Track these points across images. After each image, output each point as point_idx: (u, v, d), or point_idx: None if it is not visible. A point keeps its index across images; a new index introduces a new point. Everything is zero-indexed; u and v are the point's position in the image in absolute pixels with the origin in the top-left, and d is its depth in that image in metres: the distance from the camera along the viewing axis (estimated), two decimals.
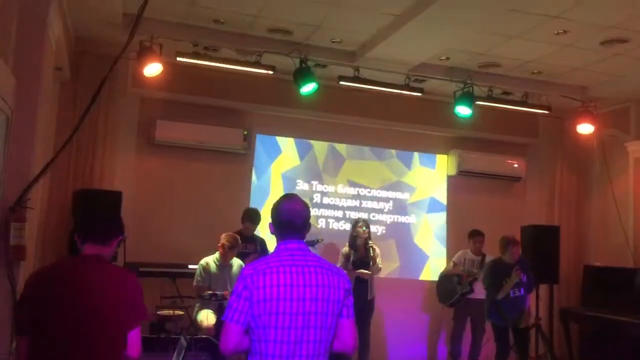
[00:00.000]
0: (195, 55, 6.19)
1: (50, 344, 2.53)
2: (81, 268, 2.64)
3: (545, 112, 7.53)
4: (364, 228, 6.62)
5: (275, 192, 7.54)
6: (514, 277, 6.02)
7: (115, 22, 5.61)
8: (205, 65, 6.33)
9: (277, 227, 2.59)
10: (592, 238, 8.16)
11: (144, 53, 5.85)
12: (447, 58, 6.61)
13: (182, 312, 5.95)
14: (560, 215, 8.19)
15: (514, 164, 8.22)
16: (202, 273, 5.84)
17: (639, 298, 6.19)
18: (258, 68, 6.35)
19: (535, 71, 6.88)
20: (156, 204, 7.02)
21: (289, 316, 2.38)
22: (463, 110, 7.03)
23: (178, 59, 6.17)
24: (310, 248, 2.66)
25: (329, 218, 7.72)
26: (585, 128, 7.29)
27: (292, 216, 2.55)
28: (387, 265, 7.33)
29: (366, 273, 6.50)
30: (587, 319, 7.35)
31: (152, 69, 5.94)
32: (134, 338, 2.63)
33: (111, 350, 2.58)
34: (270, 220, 2.62)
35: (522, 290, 6.13)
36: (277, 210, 2.59)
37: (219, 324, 5.14)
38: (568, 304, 7.75)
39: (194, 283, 5.86)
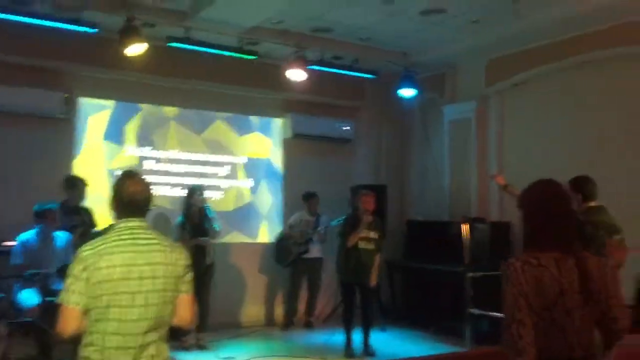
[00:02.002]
0: (5, 10, 5.50)
1: None
2: None
3: (372, 76, 7.92)
4: (201, 196, 6.51)
5: (102, 159, 7.10)
6: (364, 221, 6.11)
7: None
8: (18, 21, 5.66)
9: (118, 207, 2.53)
10: (415, 195, 8.84)
11: None
12: (280, 22, 6.62)
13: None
14: (386, 174, 8.75)
15: (344, 126, 8.56)
16: (23, 250, 5.33)
17: (452, 248, 6.82)
18: (79, 25, 5.83)
19: (364, 37, 7.16)
20: None
21: (129, 295, 2.37)
22: (407, 92, 7.51)
23: None
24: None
25: (162, 185, 7.46)
26: (407, 92, 7.78)
27: (134, 196, 2.51)
28: (224, 229, 7.29)
29: (204, 240, 6.42)
30: (409, 269, 8.02)
31: None
32: None
33: None
34: (110, 198, 2.55)
35: (372, 244, 6.17)
36: (118, 189, 2.53)
37: (45, 304, 4.77)
38: (393, 256, 8.36)
39: (15, 261, 5.34)
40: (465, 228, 6.35)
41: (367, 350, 6.23)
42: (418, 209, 8.70)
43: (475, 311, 6.04)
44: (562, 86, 6.94)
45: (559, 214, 2.33)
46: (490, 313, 6.04)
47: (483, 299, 6.15)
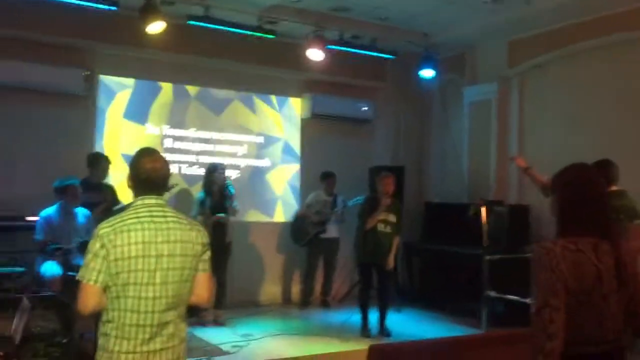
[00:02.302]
0: None
1: None
2: None
3: (392, 57, 7.85)
4: (222, 174, 6.54)
5: (122, 137, 7.15)
6: (382, 204, 6.12)
7: None
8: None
9: (136, 184, 2.53)
10: (433, 177, 8.80)
11: None
12: (299, 0, 6.57)
13: (22, 269, 5.55)
14: (405, 155, 8.71)
15: (364, 106, 8.51)
16: (45, 226, 5.42)
17: (471, 231, 6.78)
18: (100, 3, 5.84)
19: (383, 17, 7.09)
20: None
21: (147, 272, 2.38)
22: (427, 73, 7.49)
23: None
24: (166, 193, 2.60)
25: (182, 163, 7.51)
26: (427, 73, 7.72)
27: (152, 174, 2.49)
28: (242, 208, 7.33)
29: (224, 218, 6.47)
30: (426, 251, 8.01)
31: None
32: None
33: None
34: (128, 175, 2.55)
35: (389, 227, 6.16)
36: (136, 166, 2.52)
37: (65, 278, 4.86)
38: (411, 238, 8.36)
39: (38, 236, 5.43)
40: (483, 210, 6.31)
41: (383, 330, 6.26)
42: (436, 190, 8.66)
43: (492, 294, 6.03)
44: (585, 68, 6.82)
45: (595, 198, 2.32)
46: (507, 296, 6.04)
47: (500, 282, 6.15)
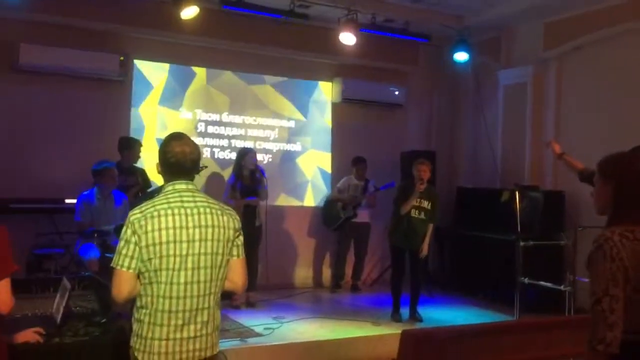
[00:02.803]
0: None
1: None
2: None
3: (424, 40, 7.76)
4: (252, 158, 6.59)
5: (156, 121, 7.25)
6: (416, 190, 6.08)
7: None
8: None
9: (165, 169, 2.51)
10: (465, 161, 8.71)
11: None
12: None
13: (62, 250, 5.70)
14: (436, 140, 8.63)
15: (395, 91, 8.45)
16: (84, 208, 5.56)
17: (504, 216, 6.71)
18: None
19: None
20: (26, 135, 6.51)
21: (179, 258, 2.37)
22: (460, 57, 7.45)
23: None
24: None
25: (214, 147, 7.59)
26: (460, 56, 7.62)
27: (181, 158, 2.47)
28: (273, 192, 7.40)
29: (254, 201, 6.54)
30: (458, 236, 7.96)
31: None
32: (2, 292, 2.39)
33: None
34: (158, 160, 2.54)
35: (422, 214, 6.12)
36: (165, 151, 2.50)
37: (103, 260, 4.98)
38: (442, 224, 8.30)
39: (79, 219, 5.57)
40: (517, 196, 6.23)
41: (415, 315, 6.26)
42: (468, 175, 8.57)
43: (525, 280, 5.98)
44: (625, 50, 6.63)
45: None
46: (541, 282, 5.97)
47: (533, 268, 6.08)
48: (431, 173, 6.25)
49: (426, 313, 6.36)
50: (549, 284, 5.90)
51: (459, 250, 8.09)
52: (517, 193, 6.25)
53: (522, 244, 6.03)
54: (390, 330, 5.66)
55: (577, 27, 6.97)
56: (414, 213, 6.14)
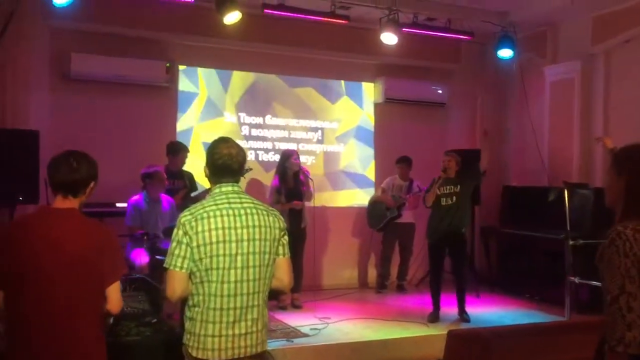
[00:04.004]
0: None
1: (26, 301, 2.40)
2: (55, 222, 2.47)
3: (468, 38, 7.67)
4: (296, 160, 6.64)
5: (201, 126, 7.39)
6: (437, 181, 6.10)
7: None
8: None
9: (213, 171, 2.61)
10: (511, 159, 8.56)
11: None
12: None
13: None
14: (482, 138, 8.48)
15: (438, 90, 8.37)
16: (134, 212, 5.72)
17: (552, 214, 6.57)
18: None
19: None
20: (77, 141, 6.60)
21: (228, 257, 2.46)
22: (505, 53, 7.40)
23: None
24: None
25: (258, 150, 7.68)
26: (505, 53, 7.50)
27: (227, 160, 2.56)
28: (317, 193, 7.43)
29: (299, 203, 6.58)
30: (505, 235, 7.83)
31: None
32: (114, 293, 2.51)
33: (89, 306, 2.46)
34: (205, 163, 2.64)
35: (453, 198, 6.08)
36: (212, 154, 2.59)
37: (153, 262, 5.11)
38: (488, 222, 8.19)
39: (130, 223, 5.73)
40: (566, 194, 6.08)
41: (463, 316, 6.19)
42: (515, 174, 8.42)
43: (576, 279, 5.83)
44: None
45: None
46: (592, 282, 5.82)
47: (583, 267, 5.93)
48: (473, 169, 6.23)
49: (473, 314, 6.29)
50: (600, 284, 5.73)
51: (506, 249, 7.95)
52: (565, 191, 6.11)
53: (571, 242, 5.88)
54: (436, 331, 5.61)
55: (626, 20, 6.76)
56: (444, 201, 6.12)
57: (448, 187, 6.15)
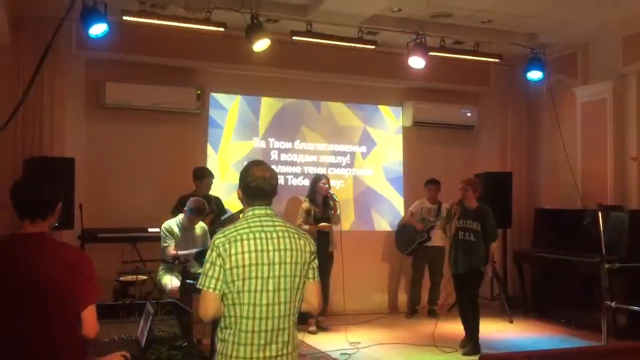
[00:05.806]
0: (142, 14, 5.99)
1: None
2: (25, 248, 2.50)
3: (496, 60, 7.65)
4: (326, 184, 6.69)
5: (231, 151, 7.48)
6: (449, 208, 6.04)
7: None
8: (153, 23, 6.13)
9: (246, 193, 2.64)
10: (543, 182, 8.43)
11: (87, 13, 5.62)
12: (399, 9, 6.58)
13: (145, 277, 5.94)
14: (512, 161, 8.41)
15: (467, 112, 8.35)
16: (167, 236, 5.79)
17: (586, 238, 6.44)
18: (208, 25, 6.19)
19: (486, 20, 6.93)
20: (111, 168, 6.89)
21: (260, 280, 2.47)
22: (534, 75, 7.39)
23: (124, 18, 5.96)
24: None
25: (287, 175, 7.73)
26: (535, 75, 7.46)
27: (260, 183, 2.60)
28: (345, 217, 7.44)
29: (327, 226, 6.61)
30: (538, 259, 7.67)
31: (98, 30, 5.71)
32: (88, 317, 2.52)
33: (62, 331, 2.48)
34: (238, 187, 2.67)
35: (470, 235, 5.90)
36: (245, 176, 2.63)
37: (184, 287, 5.16)
38: (520, 246, 8.05)
39: (164, 245, 5.79)
40: (600, 216, 5.96)
41: (469, 348, 5.88)
42: (547, 196, 8.29)
43: (613, 304, 5.68)
44: None
45: None
46: (631, 307, 5.66)
47: (620, 292, 5.78)
48: (505, 194, 6.14)
49: (507, 340, 6.16)
50: (639, 308, 5.57)
51: (539, 273, 7.80)
52: (599, 213, 5.98)
53: (607, 265, 5.74)
54: (469, 357, 5.51)
55: None
56: (461, 235, 5.95)
57: (468, 222, 5.94)
